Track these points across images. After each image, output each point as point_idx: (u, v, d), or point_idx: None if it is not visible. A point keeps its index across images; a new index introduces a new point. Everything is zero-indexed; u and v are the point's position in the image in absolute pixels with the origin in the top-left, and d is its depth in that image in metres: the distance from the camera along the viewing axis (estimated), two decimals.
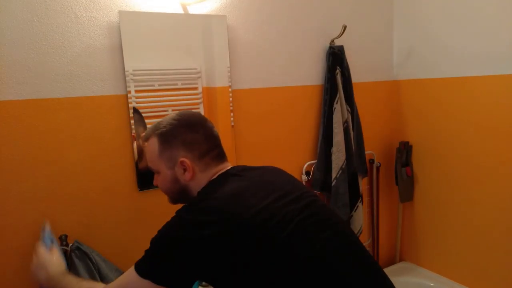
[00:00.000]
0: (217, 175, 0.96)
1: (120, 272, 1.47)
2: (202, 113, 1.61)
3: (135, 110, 1.47)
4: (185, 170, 0.94)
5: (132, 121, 1.47)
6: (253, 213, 0.80)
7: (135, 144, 1.48)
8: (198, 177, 0.95)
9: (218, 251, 0.78)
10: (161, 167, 0.96)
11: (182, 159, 0.92)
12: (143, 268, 0.85)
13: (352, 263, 0.84)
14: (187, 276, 0.82)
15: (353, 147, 1.96)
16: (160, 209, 1.57)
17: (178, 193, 0.99)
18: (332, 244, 0.84)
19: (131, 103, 1.47)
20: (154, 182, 1.03)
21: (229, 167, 1.00)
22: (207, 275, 0.83)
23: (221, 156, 1.00)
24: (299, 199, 0.89)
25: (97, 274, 1.37)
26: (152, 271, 0.83)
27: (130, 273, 0.87)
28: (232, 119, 1.70)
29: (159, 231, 0.87)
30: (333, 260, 0.82)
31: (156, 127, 0.96)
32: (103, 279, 1.40)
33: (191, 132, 0.94)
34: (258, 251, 0.78)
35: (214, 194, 0.87)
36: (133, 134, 1.48)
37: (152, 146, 0.95)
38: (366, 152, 2.08)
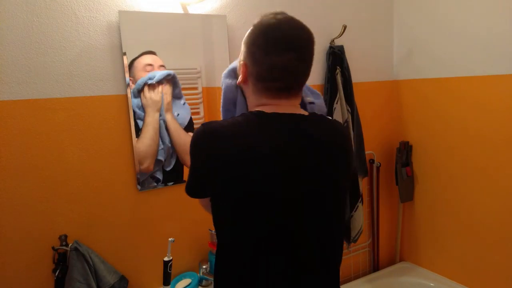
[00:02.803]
0: (259, 108, 0.86)
1: (118, 274, 1.47)
2: (202, 113, 1.61)
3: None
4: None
5: (132, 121, 1.47)
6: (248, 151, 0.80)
7: (134, 141, 1.49)
8: (250, 95, 0.90)
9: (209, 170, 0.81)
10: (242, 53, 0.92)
11: (241, 62, 0.90)
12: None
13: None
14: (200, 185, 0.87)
15: (353, 147, 1.96)
16: (159, 209, 1.57)
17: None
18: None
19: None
20: None
21: (280, 111, 0.85)
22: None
23: (284, 91, 0.86)
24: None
25: (93, 277, 1.37)
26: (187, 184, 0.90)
27: None
28: None
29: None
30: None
31: (264, 21, 0.86)
32: (100, 281, 1.40)
33: (263, 52, 0.84)
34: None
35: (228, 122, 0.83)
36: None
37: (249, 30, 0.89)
38: (366, 152, 2.08)
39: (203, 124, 0.83)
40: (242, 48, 0.90)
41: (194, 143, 0.83)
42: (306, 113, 0.89)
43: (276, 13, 0.87)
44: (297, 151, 0.82)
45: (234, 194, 0.80)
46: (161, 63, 1.50)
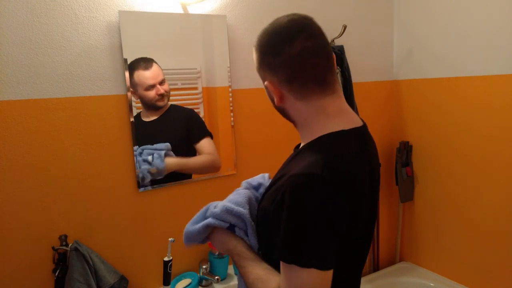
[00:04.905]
0: (341, 128, 0.78)
1: (118, 274, 1.47)
2: (202, 113, 1.61)
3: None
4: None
5: (131, 119, 1.47)
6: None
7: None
8: (298, 107, 0.81)
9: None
10: (261, 78, 0.86)
11: (265, 83, 0.82)
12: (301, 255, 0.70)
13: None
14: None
15: None
16: (159, 209, 1.57)
17: (278, 110, 0.88)
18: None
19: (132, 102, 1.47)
20: None
21: (359, 124, 0.82)
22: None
23: (322, 83, 0.78)
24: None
25: (93, 277, 1.37)
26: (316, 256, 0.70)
27: (290, 270, 0.71)
28: (232, 119, 1.70)
29: (294, 208, 0.71)
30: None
31: (258, 36, 0.83)
32: (100, 281, 1.40)
33: (274, 55, 0.78)
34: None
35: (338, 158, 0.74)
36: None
37: (254, 55, 0.85)
38: None
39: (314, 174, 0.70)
40: (260, 72, 0.83)
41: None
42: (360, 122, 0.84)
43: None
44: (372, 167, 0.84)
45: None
46: (161, 77, 1.49)
